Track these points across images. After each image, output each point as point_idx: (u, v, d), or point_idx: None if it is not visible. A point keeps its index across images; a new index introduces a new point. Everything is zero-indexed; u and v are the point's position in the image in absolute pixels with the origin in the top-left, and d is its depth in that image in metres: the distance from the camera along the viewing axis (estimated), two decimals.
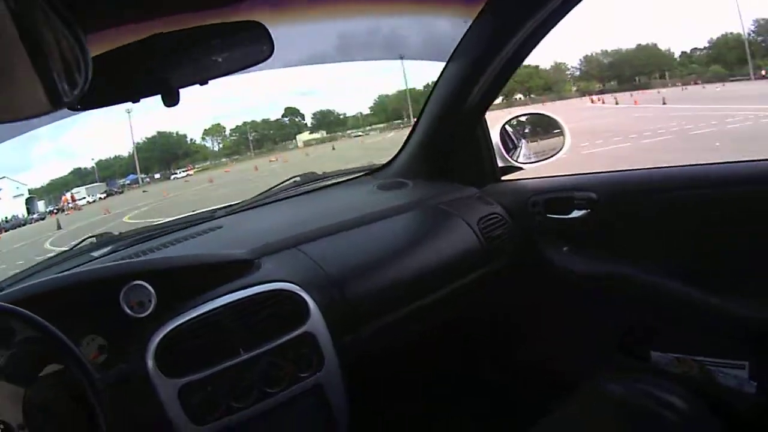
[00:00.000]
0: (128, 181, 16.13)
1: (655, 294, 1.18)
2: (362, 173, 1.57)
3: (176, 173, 18.08)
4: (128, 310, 0.93)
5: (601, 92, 18.85)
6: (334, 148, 17.67)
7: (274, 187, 1.50)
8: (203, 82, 0.86)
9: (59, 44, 0.47)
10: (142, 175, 16.69)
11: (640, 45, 19.16)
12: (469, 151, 1.43)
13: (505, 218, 1.33)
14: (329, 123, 21.00)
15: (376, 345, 1.09)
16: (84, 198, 14.25)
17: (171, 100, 0.86)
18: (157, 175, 17.82)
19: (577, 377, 1.03)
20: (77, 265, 1.15)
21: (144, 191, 15.03)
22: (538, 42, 1.23)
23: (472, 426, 1.33)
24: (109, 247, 1.20)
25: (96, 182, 15.44)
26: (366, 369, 1.05)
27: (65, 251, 1.25)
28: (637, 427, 0.88)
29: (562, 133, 1.41)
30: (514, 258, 1.32)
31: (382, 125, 19.44)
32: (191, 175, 17.49)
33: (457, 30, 1.26)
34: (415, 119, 1.44)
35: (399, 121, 18.10)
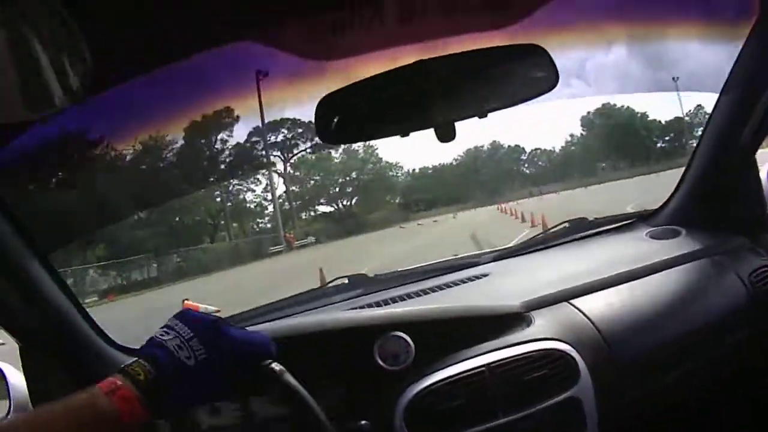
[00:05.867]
0: None
1: None
2: (633, 219, 1.46)
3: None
4: (381, 362, 0.89)
5: None
6: None
7: (543, 232, 1.50)
8: (483, 115, 0.80)
9: (57, 40, 0.49)
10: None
11: None
12: (740, 197, 1.27)
13: None
14: None
15: (637, 413, 0.99)
16: None
17: (448, 135, 0.83)
18: None
19: None
20: (327, 304, 1.20)
21: None
22: None
23: None
24: (360, 289, 1.23)
25: None
26: None
27: (314, 289, 1.34)
28: None
29: None
30: None
31: None
32: None
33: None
34: (689, 159, 1.32)
35: None
